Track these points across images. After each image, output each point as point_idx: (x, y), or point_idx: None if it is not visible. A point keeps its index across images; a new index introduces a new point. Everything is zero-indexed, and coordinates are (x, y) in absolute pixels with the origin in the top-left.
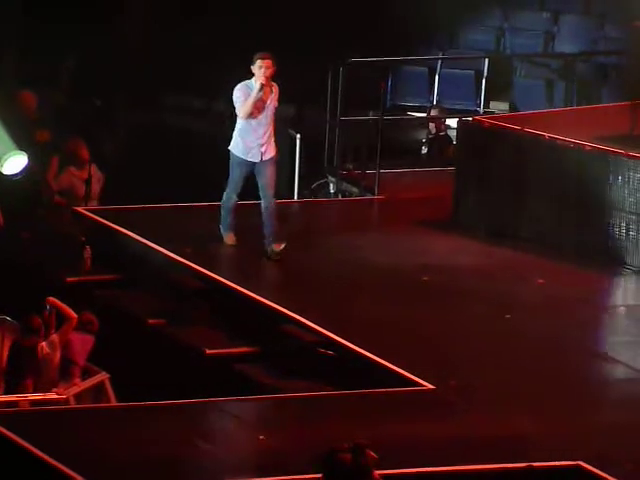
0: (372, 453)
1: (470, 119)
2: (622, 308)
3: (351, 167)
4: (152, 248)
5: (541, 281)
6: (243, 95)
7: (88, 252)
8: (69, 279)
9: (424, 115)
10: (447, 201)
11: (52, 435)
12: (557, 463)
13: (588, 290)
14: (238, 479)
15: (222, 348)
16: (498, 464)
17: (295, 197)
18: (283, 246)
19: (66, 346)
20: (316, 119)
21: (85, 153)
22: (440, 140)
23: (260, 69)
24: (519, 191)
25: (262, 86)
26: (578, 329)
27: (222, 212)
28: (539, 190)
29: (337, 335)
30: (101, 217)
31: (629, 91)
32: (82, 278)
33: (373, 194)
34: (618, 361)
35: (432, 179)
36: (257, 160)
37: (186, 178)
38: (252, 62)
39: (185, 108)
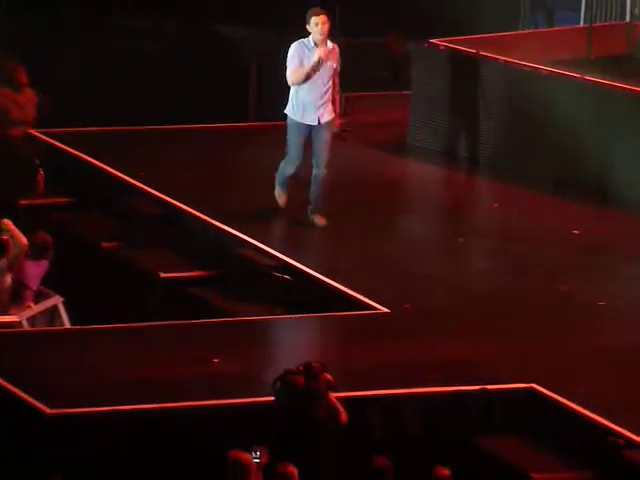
0: (328, 376)
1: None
2: (575, 232)
3: None
4: (106, 171)
5: (495, 205)
6: (298, 56)
7: (41, 175)
8: (22, 202)
9: (384, 39)
10: (405, 124)
11: (4, 358)
12: (510, 385)
13: (543, 215)
14: (191, 402)
15: (177, 272)
16: (452, 387)
17: (250, 122)
18: (324, 222)
19: (19, 270)
20: (273, 44)
21: (23, 77)
22: (400, 64)
23: (317, 26)
24: (473, 115)
25: (320, 60)
26: (534, 255)
27: (277, 177)
28: (493, 114)
29: (293, 259)
30: (55, 140)
31: None
32: (36, 201)
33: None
34: (575, 289)
35: (393, 103)
36: (314, 123)
37: (139, 100)
38: (306, 21)
39: (135, 29)
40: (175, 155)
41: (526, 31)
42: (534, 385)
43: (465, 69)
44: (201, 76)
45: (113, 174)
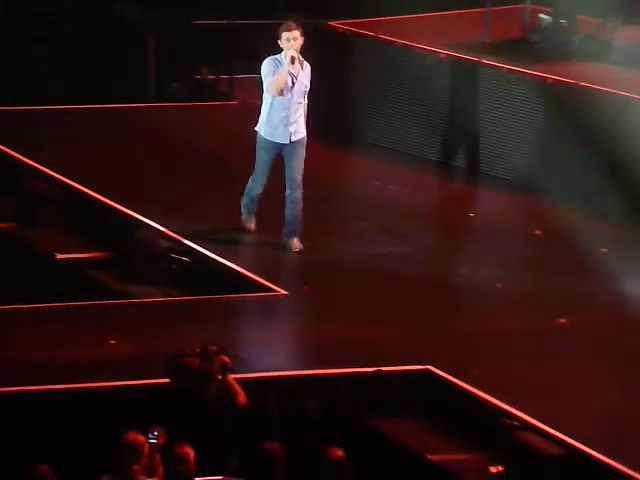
0: (225, 358)
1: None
2: (472, 215)
3: (205, 72)
4: (3, 152)
5: (391, 187)
6: (272, 70)
7: None
8: None
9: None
10: None
11: None
12: (406, 367)
13: (443, 196)
14: (89, 383)
15: (74, 253)
16: (347, 368)
17: (148, 101)
18: (301, 246)
19: None
20: (170, 22)
21: None
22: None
23: (288, 42)
24: (372, 98)
25: (293, 59)
26: (431, 238)
27: (244, 199)
28: (392, 97)
29: (191, 241)
30: None
31: None
32: None
33: (228, 100)
34: (470, 271)
35: None
36: (285, 142)
37: (36, 80)
38: (278, 36)
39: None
40: (74, 136)
41: (426, 14)
42: (430, 367)
43: (364, 52)
44: (99, 54)
45: (8, 154)
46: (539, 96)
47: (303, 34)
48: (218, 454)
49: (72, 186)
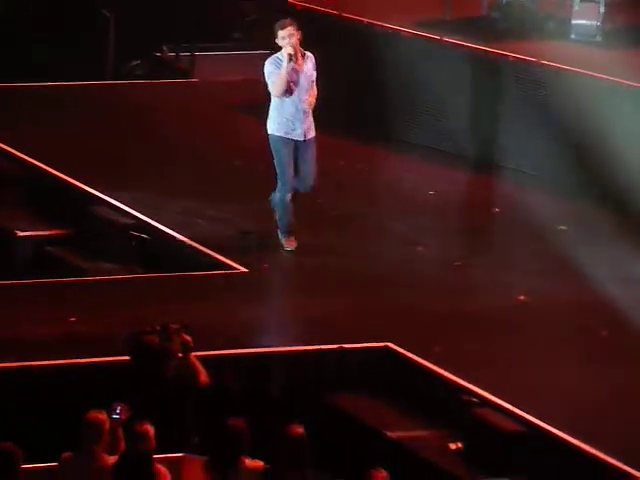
0: (186, 336)
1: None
2: (431, 193)
3: (165, 49)
4: None
5: (359, 165)
6: (275, 69)
7: None
8: None
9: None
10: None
11: None
12: (367, 345)
13: (399, 174)
14: (47, 361)
15: (33, 230)
16: (310, 346)
17: (107, 79)
18: (295, 246)
19: None
20: None
21: None
22: (258, 23)
23: (284, 40)
24: (333, 77)
25: (290, 56)
26: (391, 216)
27: (277, 212)
28: (355, 76)
29: (150, 218)
30: None
31: None
32: None
33: (188, 77)
34: (434, 250)
35: (248, 63)
36: (300, 138)
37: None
38: (274, 35)
39: None
40: (31, 114)
41: None
42: (389, 344)
43: (326, 31)
44: (58, 30)
45: None
46: (499, 74)
47: (299, 28)
48: (178, 431)
49: (32, 164)
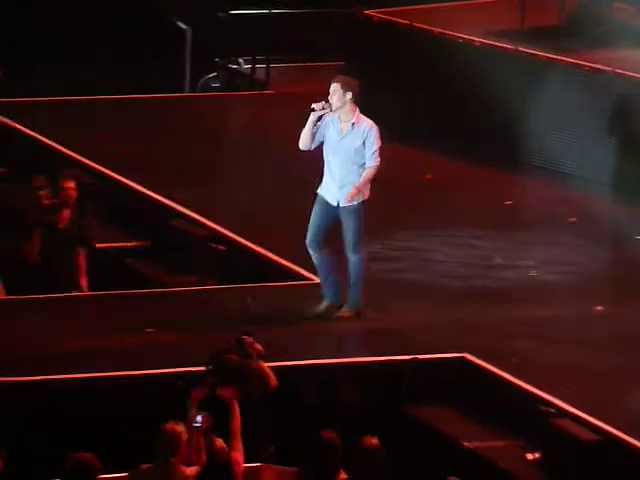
0: (258, 346)
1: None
2: (508, 203)
3: (241, 61)
4: (40, 141)
5: (429, 177)
6: (319, 127)
7: None
8: None
9: (315, 10)
10: None
11: None
12: (442, 355)
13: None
14: (122, 372)
15: (112, 242)
16: (384, 357)
17: (185, 91)
18: (349, 316)
19: None
20: (209, 12)
21: None
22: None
23: (330, 97)
24: (407, 86)
25: (312, 110)
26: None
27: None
28: (427, 85)
29: (227, 230)
30: None
31: None
32: None
33: (264, 89)
34: (510, 262)
35: (322, 73)
36: (333, 203)
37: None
38: None
39: None
40: (110, 127)
41: (461, 2)
42: (465, 355)
43: (400, 41)
44: (137, 44)
45: (47, 144)
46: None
47: (345, 84)
48: (254, 441)
49: (111, 176)
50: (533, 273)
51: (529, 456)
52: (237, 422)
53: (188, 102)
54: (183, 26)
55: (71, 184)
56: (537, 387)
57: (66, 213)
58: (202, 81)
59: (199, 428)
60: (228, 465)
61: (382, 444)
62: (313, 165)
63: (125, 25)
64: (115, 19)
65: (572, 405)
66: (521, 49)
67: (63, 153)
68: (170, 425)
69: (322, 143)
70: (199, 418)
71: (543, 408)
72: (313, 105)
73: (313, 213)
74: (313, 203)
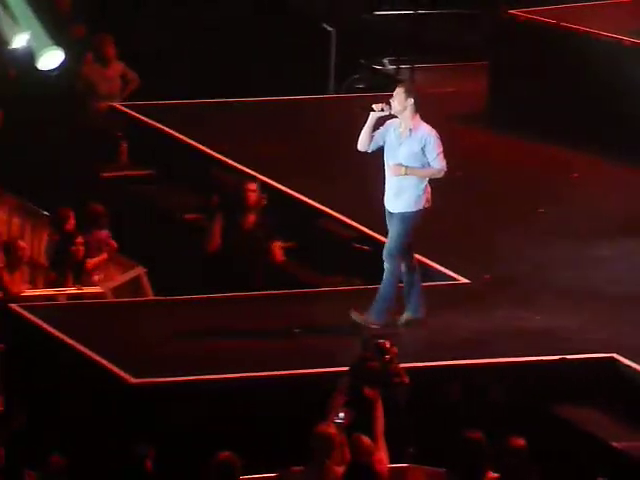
0: (394, 348)
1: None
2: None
3: (386, 62)
4: (188, 143)
5: (575, 175)
6: (379, 131)
7: (124, 148)
8: (104, 174)
9: (456, 11)
10: (481, 95)
11: (90, 328)
12: (591, 355)
13: (622, 185)
14: (272, 371)
15: None
16: (532, 356)
17: (330, 93)
18: (403, 321)
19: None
20: (352, 13)
21: (111, 50)
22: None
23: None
24: (553, 85)
25: (372, 110)
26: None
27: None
28: (572, 85)
29: (372, 230)
30: (137, 112)
31: None
32: (118, 173)
33: None
34: None
35: (467, 73)
36: (388, 207)
37: (219, 73)
38: None
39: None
40: (255, 129)
41: (608, 0)
42: (615, 355)
43: (546, 40)
44: (281, 46)
45: (195, 146)
46: None
47: (408, 89)
48: (396, 442)
49: (256, 176)
50: None
51: None
52: (381, 423)
53: (332, 103)
54: (328, 28)
55: (253, 186)
56: None
57: (252, 216)
58: (347, 82)
59: (341, 424)
60: (372, 464)
61: (530, 444)
62: (454, 165)
63: (269, 27)
64: (260, 20)
65: None
66: None
67: (210, 155)
68: (324, 427)
69: (382, 147)
70: (341, 414)
71: None
72: (373, 105)
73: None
74: (456, 203)
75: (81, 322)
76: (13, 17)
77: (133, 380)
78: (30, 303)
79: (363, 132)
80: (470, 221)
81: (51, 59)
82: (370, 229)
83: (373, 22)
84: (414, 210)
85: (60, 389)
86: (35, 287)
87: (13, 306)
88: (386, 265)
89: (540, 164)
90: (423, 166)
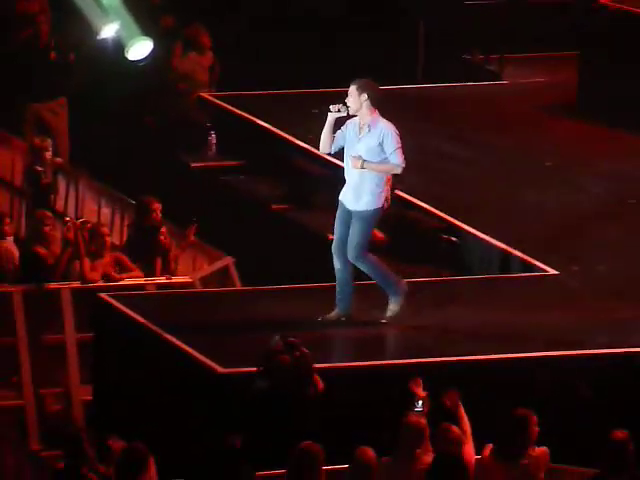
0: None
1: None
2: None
3: (476, 51)
4: (276, 134)
5: None
6: (341, 129)
7: (213, 138)
8: (194, 164)
9: (546, 0)
10: (571, 86)
11: (178, 317)
12: None
13: None
14: (365, 362)
15: None
16: (621, 349)
17: (417, 82)
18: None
19: None
20: (443, 2)
21: (206, 39)
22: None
23: None
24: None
25: (329, 111)
26: None
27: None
28: None
29: (460, 221)
30: (226, 103)
31: None
32: (207, 164)
33: (498, 79)
34: None
35: (557, 63)
36: (348, 205)
37: (307, 63)
38: None
39: None
40: (344, 119)
41: None
42: None
43: (636, 29)
44: (369, 37)
45: (283, 137)
46: None
47: (360, 86)
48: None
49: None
50: None
51: None
52: (466, 422)
53: (421, 92)
54: (418, 17)
55: None
56: None
57: None
58: (436, 72)
59: (421, 412)
60: (460, 455)
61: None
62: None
63: (361, 16)
64: (351, 9)
65: None
66: None
67: (297, 144)
68: (414, 417)
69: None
70: (420, 402)
71: None
72: (330, 106)
73: (336, 220)
74: (539, 195)
75: (170, 312)
76: (102, 7)
77: (220, 369)
78: (119, 292)
79: (323, 134)
80: (559, 212)
81: (140, 49)
82: (457, 220)
83: (463, 11)
84: (374, 208)
85: (148, 378)
86: (120, 275)
87: (103, 295)
88: (360, 266)
89: (629, 155)
90: (382, 162)
